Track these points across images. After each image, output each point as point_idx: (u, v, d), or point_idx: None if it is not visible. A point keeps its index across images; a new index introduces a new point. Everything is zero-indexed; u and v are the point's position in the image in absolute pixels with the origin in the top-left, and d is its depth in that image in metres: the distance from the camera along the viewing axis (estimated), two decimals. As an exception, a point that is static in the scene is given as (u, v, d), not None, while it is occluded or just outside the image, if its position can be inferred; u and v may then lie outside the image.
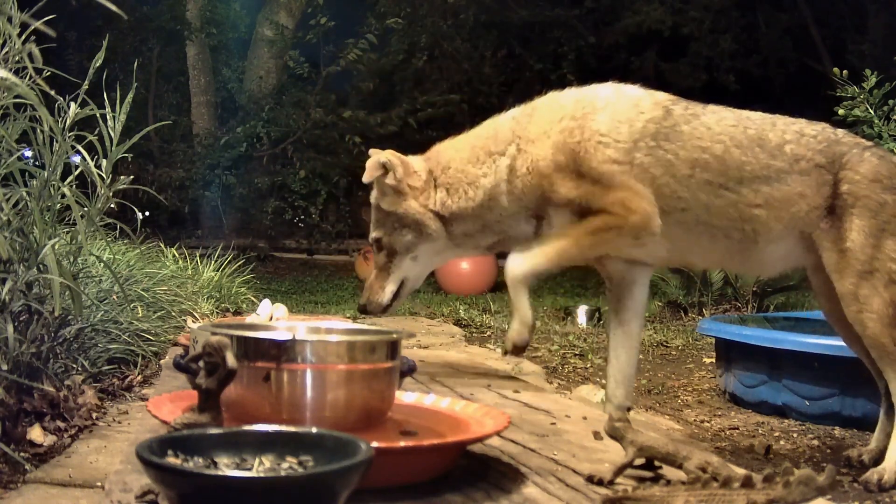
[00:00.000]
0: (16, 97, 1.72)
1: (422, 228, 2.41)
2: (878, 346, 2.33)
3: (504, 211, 2.37)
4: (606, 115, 2.33)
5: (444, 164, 2.42)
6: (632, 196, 2.26)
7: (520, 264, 2.28)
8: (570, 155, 2.29)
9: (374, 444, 1.05)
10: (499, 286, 8.50)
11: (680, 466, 1.31)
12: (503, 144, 2.37)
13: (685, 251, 2.50)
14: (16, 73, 1.70)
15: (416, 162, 2.46)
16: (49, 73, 1.79)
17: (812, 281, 2.53)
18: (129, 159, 5.92)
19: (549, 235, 2.33)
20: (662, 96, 2.44)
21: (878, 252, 2.31)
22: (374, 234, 2.48)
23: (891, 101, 4.00)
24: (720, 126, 2.40)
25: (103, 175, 2.03)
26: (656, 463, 1.37)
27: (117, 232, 2.82)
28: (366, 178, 2.42)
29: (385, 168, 2.40)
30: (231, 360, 1.17)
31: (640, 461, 1.36)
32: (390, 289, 2.49)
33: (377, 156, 2.43)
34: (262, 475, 0.98)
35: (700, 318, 5.66)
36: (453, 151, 2.45)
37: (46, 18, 1.55)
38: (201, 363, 1.19)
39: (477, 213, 2.40)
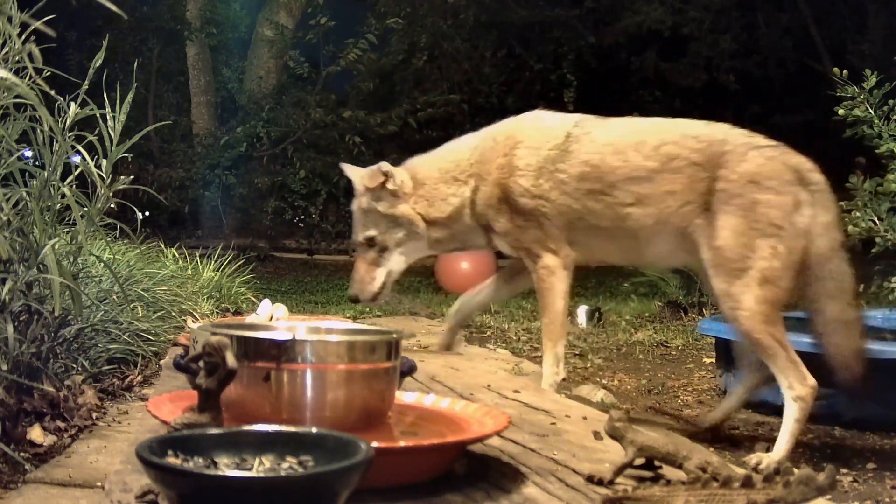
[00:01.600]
0: (16, 97, 1.72)
1: (413, 228, 2.85)
2: (754, 342, 2.42)
3: (467, 227, 2.87)
4: (524, 148, 2.75)
5: (421, 179, 2.86)
6: (542, 237, 2.74)
7: (546, 376, 2.81)
8: (504, 189, 2.75)
9: (374, 444, 1.05)
10: (499, 286, 8.49)
11: (680, 466, 1.31)
12: (465, 175, 2.83)
13: (593, 252, 2.84)
14: (16, 73, 1.70)
15: (401, 172, 2.87)
16: (49, 73, 1.79)
17: (702, 273, 2.65)
18: (129, 159, 5.92)
19: (544, 339, 2.83)
20: (571, 120, 2.79)
21: (749, 251, 2.38)
22: (368, 233, 2.86)
23: (891, 101, 4.00)
24: (606, 137, 2.71)
25: (103, 175, 2.03)
26: (656, 463, 1.37)
27: (117, 232, 2.82)
28: (370, 184, 2.83)
29: (386, 176, 2.81)
30: (231, 360, 1.17)
31: (640, 461, 1.36)
32: (380, 279, 2.89)
33: (368, 169, 2.87)
34: (262, 475, 0.98)
35: (700, 318, 5.65)
36: (426, 170, 2.88)
37: (46, 18, 1.55)
38: (201, 363, 1.19)
39: (446, 224, 2.88)
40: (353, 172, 2.95)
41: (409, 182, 2.84)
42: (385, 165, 2.85)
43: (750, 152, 2.49)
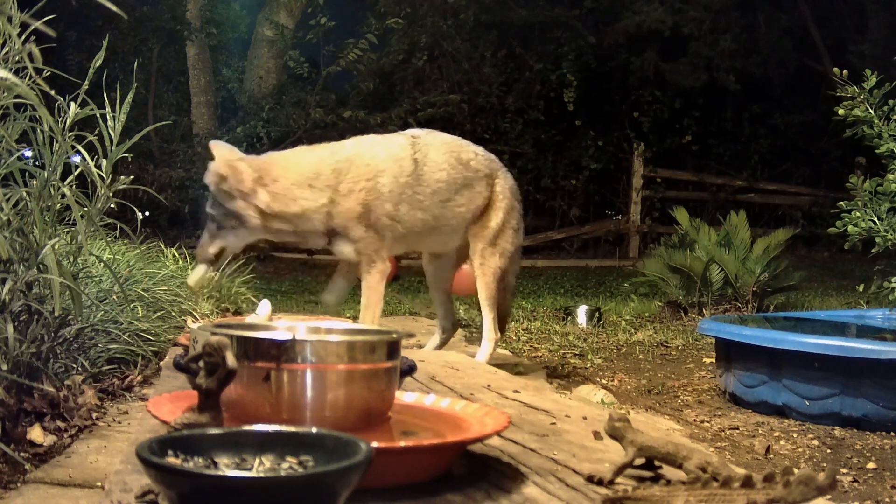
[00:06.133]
0: (16, 97, 1.73)
1: (243, 220, 3.11)
2: (486, 287, 3.47)
3: (312, 228, 3.19)
4: (387, 177, 3.22)
5: (274, 177, 3.13)
6: (381, 247, 3.25)
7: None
8: (367, 207, 3.19)
9: (374, 444, 1.04)
10: (499, 286, 8.48)
11: (680, 466, 1.31)
12: (322, 186, 3.16)
13: (416, 245, 3.59)
14: (16, 73, 1.70)
15: (244, 167, 3.08)
16: (49, 73, 1.79)
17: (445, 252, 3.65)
18: (129, 159, 5.91)
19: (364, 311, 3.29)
20: (412, 148, 3.32)
21: (502, 233, 3.50)
22: (210, 210, 3.14)
23: (891, 101, 4.00)
24: (441, 156, 3.35)
25: (103, 175, 2.04)
26: (656, 463, 1.37)
27: (117, 232, 2.83)
28: (210, 184, 3.08)
29: (222, 177, 3.04)
30: (231, 360, 1.17)
31: (640, 461, 1.36)
32: (216, 249, 3.17)
33: (215, 164, 3.06)
34: (262, 475, 0.98)
35: (700, 318, 5.65)
36: (282, 170, 3.16)
37: (46, 18, 1.55)
38: (201, 363, 1.19)
39: (290, 220, 3.16)
40: (219, 152, 3.15)
41: (244, 181, 3.06)
42: (221, 165, 3.05)
43: (505, 171, 3.59)
